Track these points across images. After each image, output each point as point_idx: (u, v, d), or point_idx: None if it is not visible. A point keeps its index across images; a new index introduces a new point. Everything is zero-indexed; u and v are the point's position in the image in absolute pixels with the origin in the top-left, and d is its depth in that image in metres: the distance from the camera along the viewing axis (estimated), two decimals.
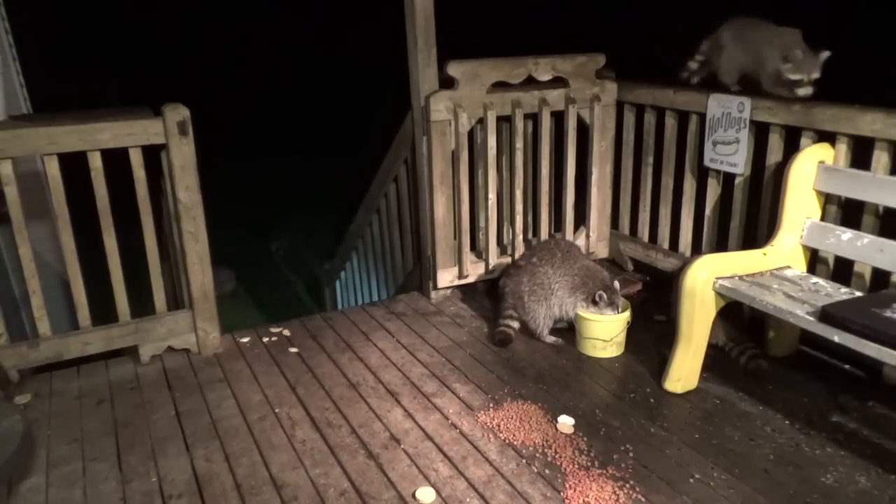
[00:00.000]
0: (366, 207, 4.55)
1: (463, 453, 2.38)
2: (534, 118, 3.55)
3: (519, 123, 3.46)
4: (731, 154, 3.07)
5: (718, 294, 2.52)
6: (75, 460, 2.39)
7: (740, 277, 2.55)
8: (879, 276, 2.58)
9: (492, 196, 3.51)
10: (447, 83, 3.31)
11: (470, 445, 2.42)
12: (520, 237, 3.65)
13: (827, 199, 2.70)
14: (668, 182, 3.45)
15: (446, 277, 3.59)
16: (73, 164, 2.85)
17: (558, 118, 3.58)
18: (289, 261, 7.25)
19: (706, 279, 2.51)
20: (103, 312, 3.04)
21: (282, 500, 2.18)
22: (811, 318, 2.25)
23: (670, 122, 3.39)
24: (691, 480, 2.21)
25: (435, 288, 3.61)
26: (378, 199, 4.28)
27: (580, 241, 3.72)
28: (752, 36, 2.98)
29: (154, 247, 3.01)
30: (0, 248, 3.25)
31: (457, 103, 3.30)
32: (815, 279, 2.60)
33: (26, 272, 2.80)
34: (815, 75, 2.73)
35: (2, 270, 2.99)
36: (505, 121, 3.50)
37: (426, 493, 2.18)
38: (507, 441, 2.43)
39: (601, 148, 3.66)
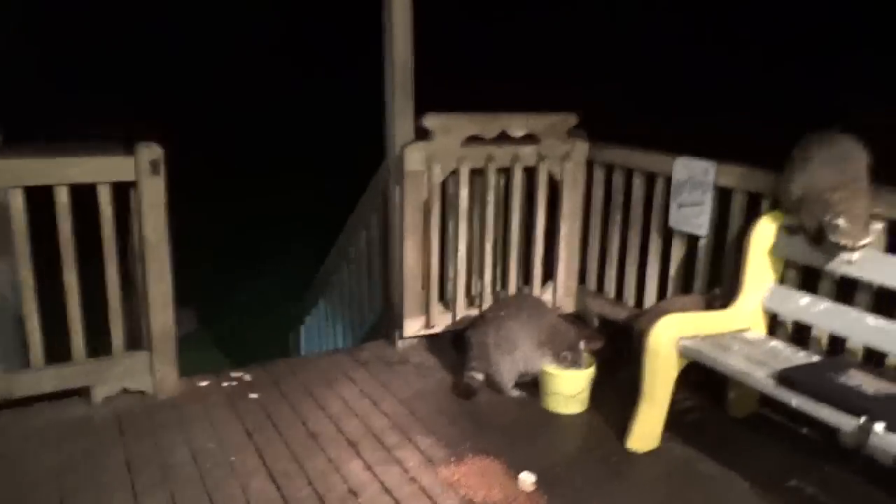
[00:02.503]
0: (336, 251, 4.54)
1: None
2: (506, 172, 3.62)
3: (491, 177, 3.51)
4: (695, 216, 3.15)
5: (681, 354, 2.55)
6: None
7: (702, 338, 2.58)
8: (836, 341, 2.64)
9: (462, 247, 3.53)
10: (422, 133, 3.36)
11: (429, 501, 2.38)
12: (488, 289, 3.66)
13: (786, 263, 2.77)
14: (634, 240, 3.52)
15: (413, 326, 3.57)
16: (39, 196, 2.80)
17: (530, 173, 3.65)
18: (255, 302, 7.16)
19: (670, 339, 2.54)
20: (59, 349, 2.95)
21: None
22: (770, 381, 2.29)
23: (638, 182, 3.48)
24: None
25: (401, 337, 3.59)
26: (349, 245, 4.27)
27: (547, 296, 3.75)
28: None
29: (115, 284, 2.94)
30: None
31: (431, 155, 3.35)
32: (774, 342, 2.65)
33: None
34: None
35: None
36: (478, 174, 3.55)
37: None
38: (466, 497, 2.39)
39: (571, 204, 3.73)
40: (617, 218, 3.63)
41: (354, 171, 3.99)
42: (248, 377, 3.30)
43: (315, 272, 5.08)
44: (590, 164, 3.73)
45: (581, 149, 3.69)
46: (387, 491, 2.42)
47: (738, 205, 3.02)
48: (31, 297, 2.80)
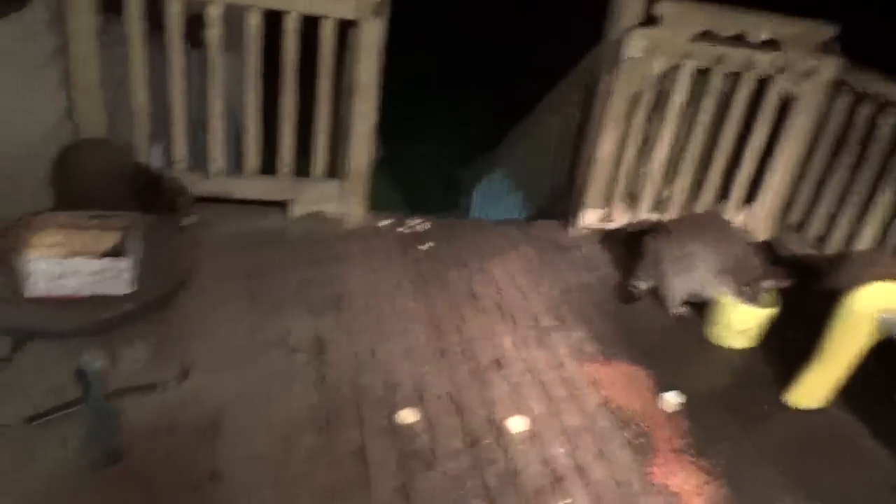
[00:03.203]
0: (525, 125, 4.47)
1: (562, 396, 2.42)
2: (734, 78, 3.27)
3: (716, 81, 3.20)
4: None
5: (878, 328, 2.32)
6: (215, 293, 2.64)
7: None
8: None
9: (663, 149, 3.34)
10: (649, 20, 3.09)
11: (570, 391, 2.45)
12: (679, 198, 3.47)
13: None
14: (860, 186, 3.12)
15: (591, 217, 3.51)
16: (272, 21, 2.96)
17: (760, 85, 3.27)
18: (429, 159, 7.29)
19: (869, 309, 2.31)
20: (265, 164, 3.24)
21: (385, 384, 2.33)
22: None
23: (890, 121, 3.01)
24: None
25: (576, 224, 3.55)
26: (540, 122, 4.18)
27: (741, 220, 3.49)
28: None
29: (325, 116, 3.13)
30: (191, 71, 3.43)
31: (654, 45, 3.09)
32: None
33: (213, 112, 3.01)
34: None
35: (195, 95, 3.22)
36: (700, 74, 3.25)
37: (516, 423, 2.26)
38: (607, 399, 2.44)
39: (799, 128, 3.34)
40: (847, 155, 3.21)
41: (559, 50, 3.79)
42: (424, 227, 3.46)
43: (492, 140, 5.07)
44: (835, 87, 3.26)
45: (829, 68, 3.23)
46: (531, 371, 2.53)
47: None
48: (253, 113, 3.05)
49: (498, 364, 2.54)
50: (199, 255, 1.83)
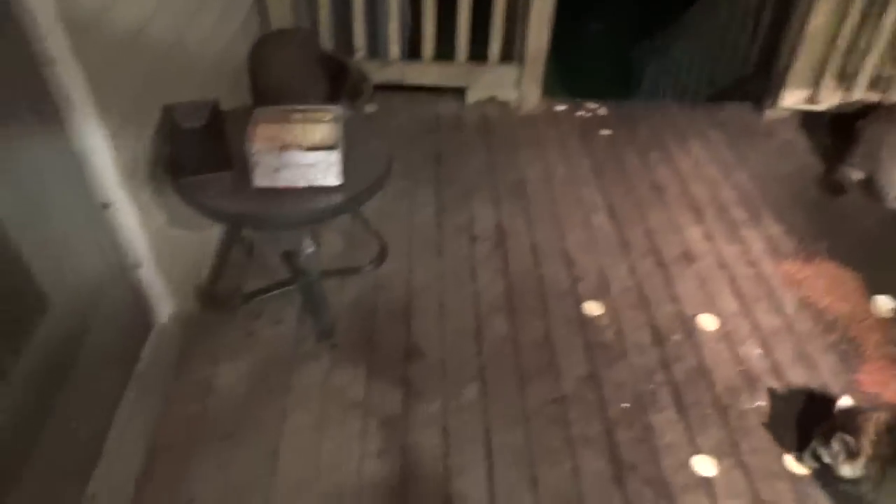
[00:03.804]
0: None
1: (756, 295, 2.29)
2: None
3: None
4: None
5: None
6: (404, 179, 2.73)
7: None
8: None
9: (891, 18, 2.85)
10: None
11: (766, 289, 2.32)
12: None
13: None
14: None
15: (793, 97, 3.15)
16: None
17: None
18: (603, 38, 6.80)
19: None
20: (444, 51, 3.19)
21: (570, 275, 2.33)
22: None
23: None
24: None
25: (774, 105, 3.21)
26: None
27: None
28: None
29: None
30: None
31: None
32: None
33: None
34: None
35: None
36: None
37: (707, 321, 2.18)
38: (808, 300, 2.28)
39: None
40: None
41: None
42: (602, 111, 3.30)
43: (671, 13, 4.61)
44: None
45: None
46: (723, 265, 2.40)
47: None
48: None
49: (686, 258, 2.43)
50: (391, 150, 1.87)
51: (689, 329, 2.15)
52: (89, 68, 1.43)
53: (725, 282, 2.34)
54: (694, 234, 2.55)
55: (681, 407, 1.91)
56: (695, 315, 2.20)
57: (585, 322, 2.16)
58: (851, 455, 1.61)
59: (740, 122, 3.26)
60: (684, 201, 2.72)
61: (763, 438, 1.84)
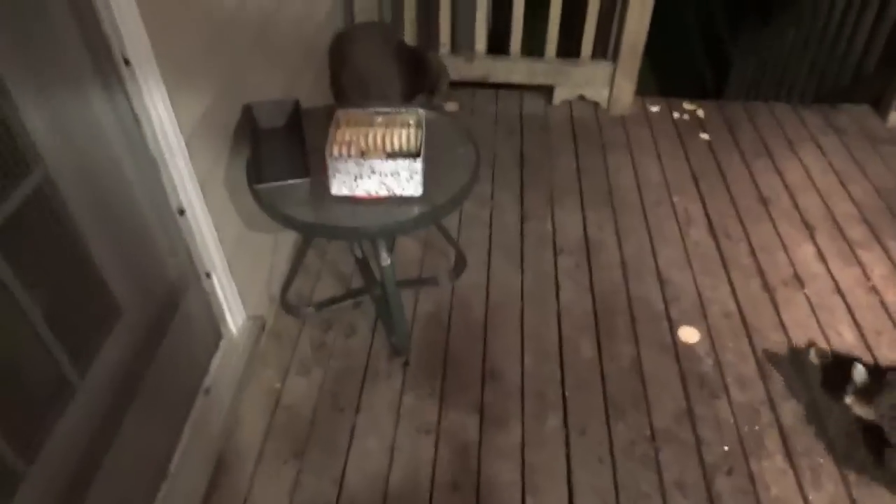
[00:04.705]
0: None
1: (878, 326, 2.03)
2: None
3: None
4: None
5: None
6: (487, 182, 2.60)
7: None
8: None
9: None
10: None
11: (889, 320, 2.05)
12: None
13: None
14: None
15: None
16: None
17: None
18: (697, 29, 6.41)
19: None
20: (532, 47, 3.03)
21: (663, 296, 2.14)
22: None
23: None
24: None
25: None
26: None
27: None
28: None
29: None
30: None
31: None
32: None
33: None
34: None
35: None
36: None
37: (820, 352, 1.95)
38: None
39: None
40: None
41: None
42: (700, 113, 3.06)
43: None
44: None
45: None
46: (839, 291, 2.15)
47: None
48: None
49: (798, 280, 2.19)
50: (479, 157, 1.74)
51: (800, 363, 1.92)
52: (171, 68, 1.36)
53: (842, 310, 2.09)
54: (805, 253, 2.31)
55: (790, 454, 1.70)
56: (809, 343, 1.97)
57: (681, 350, 1.97)
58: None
59: (859, 127, 2.95)
60: (794, 216, 2.47)
61: (886, 496, 1.61)
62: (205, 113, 1.55)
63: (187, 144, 1.46)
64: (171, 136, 1.41)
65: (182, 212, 1.53)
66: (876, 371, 1.82)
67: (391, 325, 1.94)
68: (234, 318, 1.81)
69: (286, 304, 2.05)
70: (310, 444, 1.70)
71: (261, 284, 1.98)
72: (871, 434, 1.71)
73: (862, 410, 1.74)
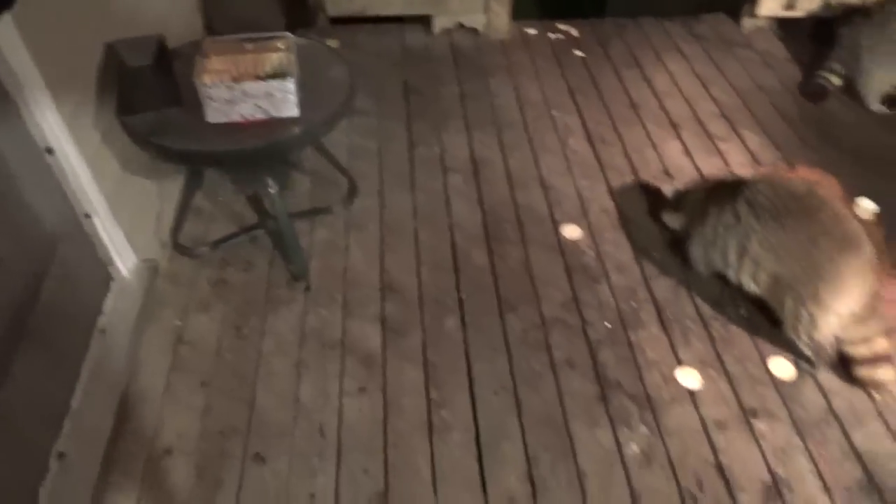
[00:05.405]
0: None
1: None
2: None
3: None
4: None
5: None
6: (372, 115, 2.63)
7: None
8: None
9: None
10: None
11: None
12: None
13: None
14: None
15: (770, 5, 3.04)
16: None
17: None
18: None
19: None
20: None
21: (547, 201, 2.27)
22: None
23: None
24: None
25: (751, 14, 3.11)
26: None
27: None
28: None
29: None
30: None
31: None
32: None
33: None
34: None
35: None
36: None
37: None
38: None
39: None
40: None
41: None
42: (574, 32, 3.18)
43: None
44: None
45: None
46: (702, 178, 2.34)
47: None
48: None
49: (668, 175, 2.37)
50: (353, 77, 1.77)
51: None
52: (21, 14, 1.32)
53: None
54: (672, 149, 2.49)
55: (664, 322, 1.88)
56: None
57: (565, 246, 2.11)
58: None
59: (717, 34, 3.16)
60: (662, 118, 2.65)
61: (746, 347, 1.82)
62: (65, 49, 1.51)
63: (47, 82, 1.43)
64: (28, 71, 1.38)
65: (50, 150, 1.50)
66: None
67: (288, 254, 1.98)
68: (125, 261, 1.80)
69: (178, 246, 2.04)
70: (217, 372, 1.74)
71: (149, 229, 1.96)
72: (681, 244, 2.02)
73: (674, 221, 2.06)
